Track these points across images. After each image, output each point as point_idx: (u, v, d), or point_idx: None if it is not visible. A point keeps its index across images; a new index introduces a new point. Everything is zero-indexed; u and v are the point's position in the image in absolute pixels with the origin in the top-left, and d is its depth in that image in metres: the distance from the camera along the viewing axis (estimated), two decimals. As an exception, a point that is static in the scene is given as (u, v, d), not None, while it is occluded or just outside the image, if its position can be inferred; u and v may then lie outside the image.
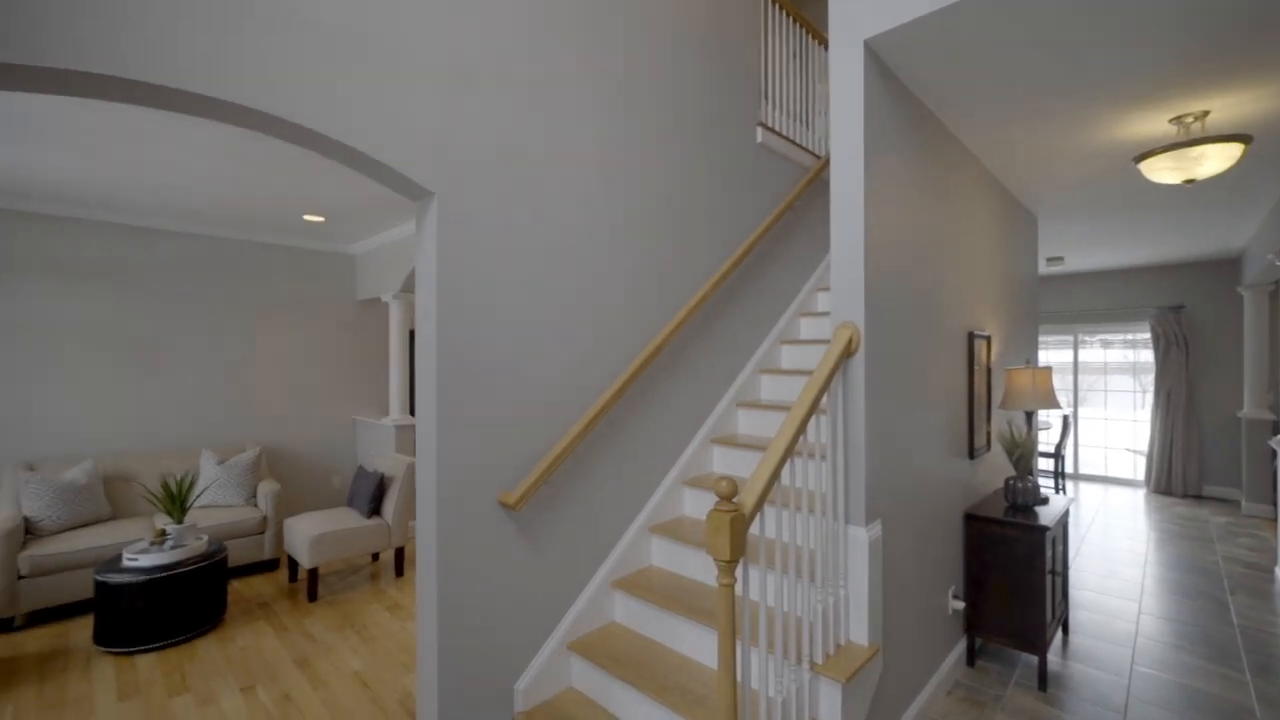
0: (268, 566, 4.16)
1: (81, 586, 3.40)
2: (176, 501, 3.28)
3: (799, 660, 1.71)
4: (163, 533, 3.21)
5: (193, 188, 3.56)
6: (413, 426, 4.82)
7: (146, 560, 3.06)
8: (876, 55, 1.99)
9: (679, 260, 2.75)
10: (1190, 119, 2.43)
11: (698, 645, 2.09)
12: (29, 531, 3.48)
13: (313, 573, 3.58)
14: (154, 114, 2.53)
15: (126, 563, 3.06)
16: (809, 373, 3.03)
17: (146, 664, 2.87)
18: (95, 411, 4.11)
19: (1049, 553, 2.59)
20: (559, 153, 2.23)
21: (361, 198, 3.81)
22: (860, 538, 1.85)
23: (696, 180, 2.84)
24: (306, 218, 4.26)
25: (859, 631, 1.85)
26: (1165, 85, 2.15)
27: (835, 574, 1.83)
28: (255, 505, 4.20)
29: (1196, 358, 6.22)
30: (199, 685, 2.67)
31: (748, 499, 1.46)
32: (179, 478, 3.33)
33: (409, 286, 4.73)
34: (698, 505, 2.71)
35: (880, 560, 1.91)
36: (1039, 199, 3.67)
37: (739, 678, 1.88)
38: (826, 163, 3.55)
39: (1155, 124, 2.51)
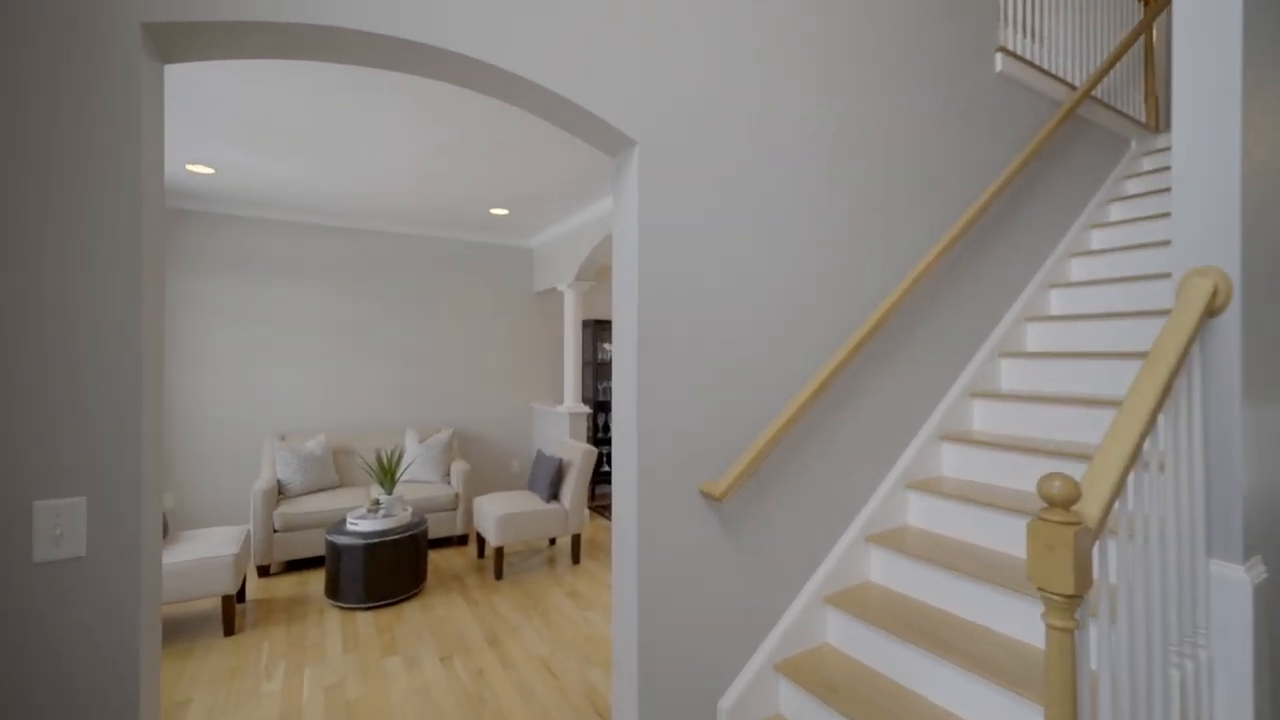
0: (458, 541, 4.43)
1: (316, 544, 3.86)
2: (388, 473, 3.57)
3: (1144, 746, 1.21)
4: (376, 502, 3.51)
5: (402, 190, 3.88)
6: (585, 415, 4.86)
7: (365, 525, 3.35)
8: (1247, -115, 1.38)
9: (899, 222, 2.29)
10: None
11: (933, 682, 1.66)
12: (280, 492, 4.06)
13: (499, 551, 3.69)
14: (371, 119, 2.73)
15: (350, 526, 3.38)
16: (1065, 355, 2.38)
17: (364, 621, 3.13)
18: (324, 392, 4.73)
19: None
20: (764, 99, 1.92)
21: (541, 186, 3.87)
22: (1236, 579, 1.27)
23: (921, 123, 2.35)
24: (493, 211, 4.48)
25: None
26: None
27: (1193, 628, 1.27)
28: (449, 483, 4.51)
29: None
30: (405, 648, 2.82)
31: (1090, 508, 1.02)
32: (389, 452, 3.63)
33: (583, 275, 4.77)
34: (925, 513, 2.22)
35: (1265, 613, 1.30)
36: None
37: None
38: (1085, 94, 2.79)
39: None
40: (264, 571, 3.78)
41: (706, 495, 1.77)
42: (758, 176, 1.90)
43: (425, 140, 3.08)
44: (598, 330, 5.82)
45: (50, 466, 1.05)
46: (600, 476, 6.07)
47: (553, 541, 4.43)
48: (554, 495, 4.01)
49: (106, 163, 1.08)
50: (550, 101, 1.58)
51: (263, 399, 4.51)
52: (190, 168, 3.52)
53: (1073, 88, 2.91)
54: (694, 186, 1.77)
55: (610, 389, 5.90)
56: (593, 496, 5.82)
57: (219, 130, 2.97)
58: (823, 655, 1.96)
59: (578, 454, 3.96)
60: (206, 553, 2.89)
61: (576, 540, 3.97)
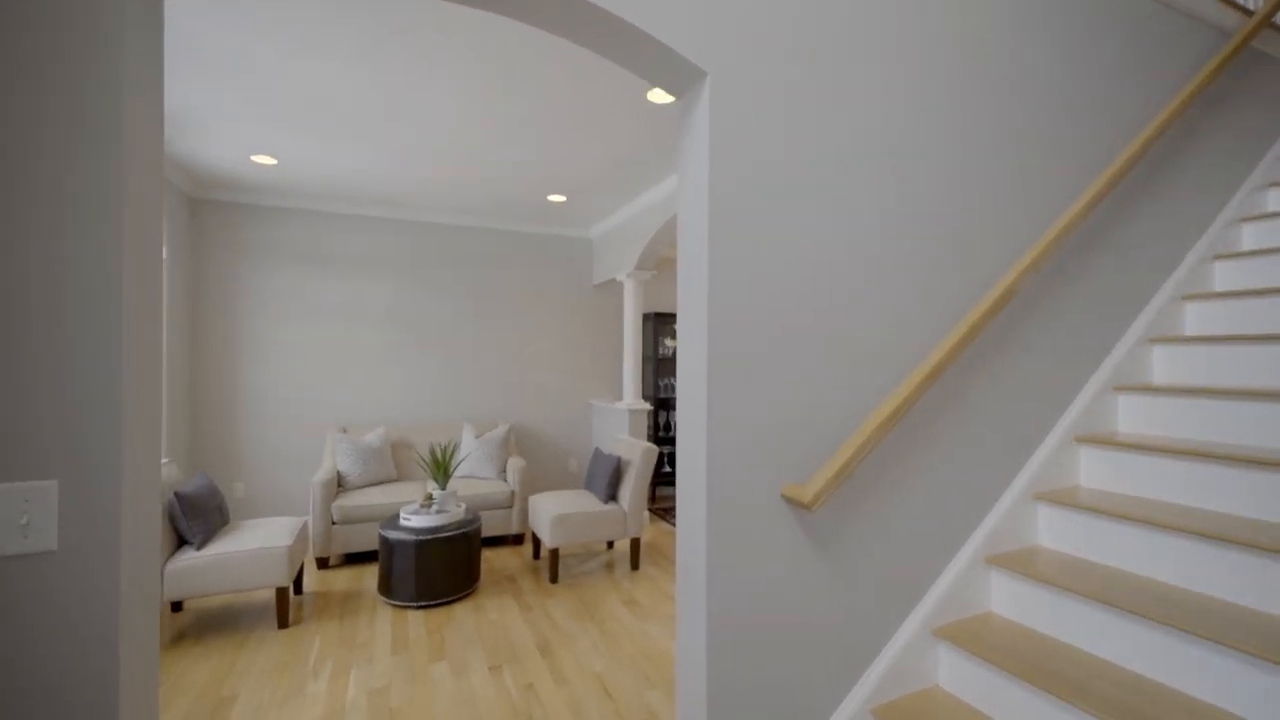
0: (513, 540, 4.28)
1: (373, 537, 3.81)
2: (441, 467, 3.45)
3: None
4: (430, 496, 3.39)
5: (459, 176, 3.77)
6: (645, 411, 4.60)
7: (418, 521, 3.23)
8: None
9: (1028, 178, 1.88)
10: None
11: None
12: (340, 484, 4.04)
13: (554, 553, 3.49)
14: (426, 98, 2.58)
15: (403, 521, 3.27)
16: (1238, 340, 1.90)
17: (415, 620, 3.00)
18: (384, 385, 4.71)
19: None
20: (862, 12, 1.59)
21: (600, 168, 3.65)
22: None
23: (1052, 58, 1.93)
24: (550, 198, 4.31)
25: None
26: None
27: None
28: (504, 480, 4.37)
29: None
30: (454, 654, 2.65)
31: None
32: (443, 446, 3.51)
33: (643, 264, 4.52)
34: (1059, 531, 1.81)
35: None
36: None
37: None
38: (1264, 20, 2.26)
39: None
40: (323, 564, 3.75)
41: (791, 501, 1.46)
42: (854, 113, 1.57)
43: (481, 120, 2.93)
44: (658, 324, 5.56)
45: (16, 444, 0.89)
46: (661, 477, 5.80)
47: (610, 544, 4.20)
48: (612, 496, 3.78)
49: (81, 113, 0.91)
50: (601, 24, 1.32)
51: (327, 391, 4.54)
52: (254, 158, 3.54)
53: (1247, 13, 2.37)
54: (777, 126, 1.47)
55: (672, 385, 5.62)
56: (653, 498, 5.56)
57: (278, 116, 2.93)
58: (933, 701, 1.61)
59: (637, 452, 3.71)
60: (261, 543, 2.84)
61: (635, 544, 3.72)
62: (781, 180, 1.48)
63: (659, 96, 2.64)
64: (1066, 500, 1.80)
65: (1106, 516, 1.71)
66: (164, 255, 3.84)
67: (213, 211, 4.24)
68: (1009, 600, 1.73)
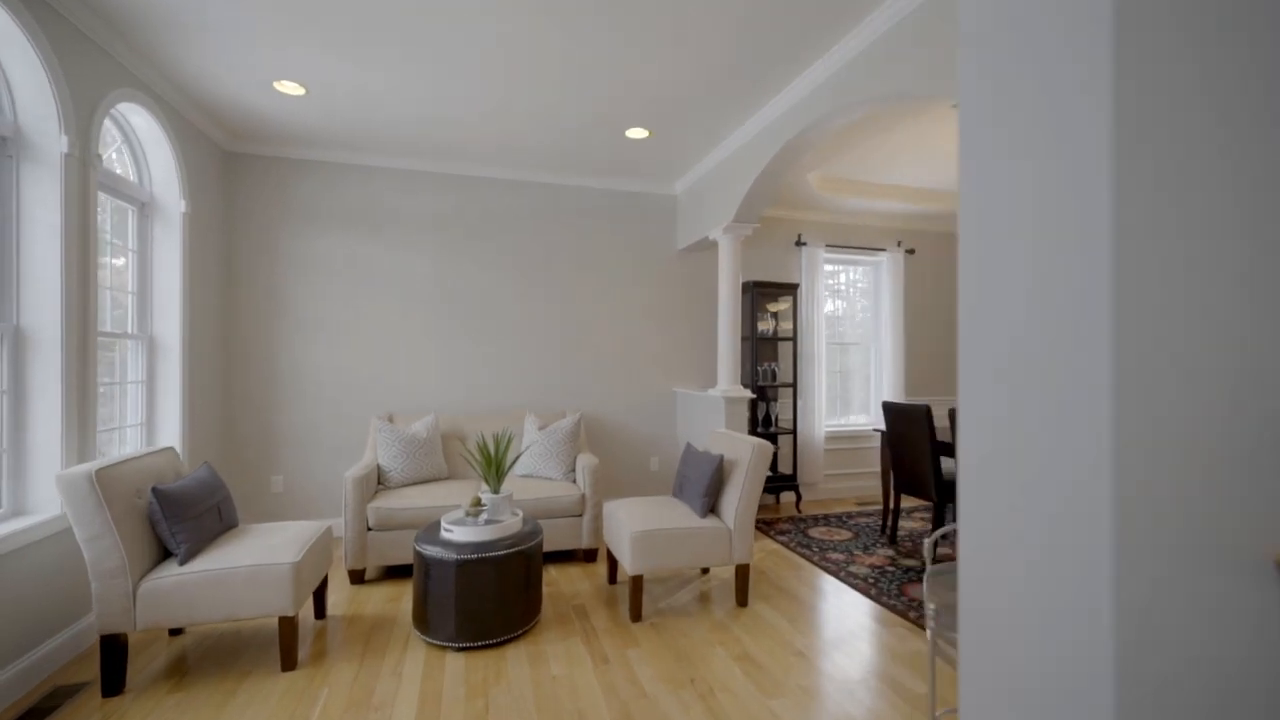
0: (584, 556, 3.47)
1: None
2: (493, 465, 2.68)
3: None
4: (478, 501, 2.64)
5: (520, 105, 3.01)
6: (745, 400, 3.67)
7: (461, 534, 2.48)
8: None
9: None
10: None
11: None
12: (380, 482, 3.39)
13: (636, 581, 2.64)
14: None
15: (443, 533, 2.53)
16: None
17: (453, 670, 2.23)
18: (437, 367, 4.05)
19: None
20: None
21: (692, 80, 2.77)
22: None
23: None
24: (630, 134, 3.47)
25: None
26: None
27: None
28: (573, 480, 3.58)
29: None
30: (500, 734, 1.85)
31: None
32: (497, 438, 2.75)
33: (744, 215, 3.59)
34: None
35: None
36: None
37: None
38: None
39: None
40: (357, 577, 3.09)
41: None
42: None
43: (546, 19, 2.13)
44: (759, 295, 4.58)
45: None
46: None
47: (705, 570, 3.30)
48: (711, 508, 2.88)
49: None
50: None
51: (373, 372, 3.94)
52: (278, 86, 2.92)
53: None
54: None
55: (774, 372, 4.64)
56: (748, 508, 4.59)
57: (303, 25, 2.26)
58: None
59: (746, 451, 2.79)
60: (259, 559, 2.17)
61: (743, 573, 2.80)
62: None
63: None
64: None
65: None
66: (184, 209, 3.36)
67: (247, 167, 3.72)
68: None
